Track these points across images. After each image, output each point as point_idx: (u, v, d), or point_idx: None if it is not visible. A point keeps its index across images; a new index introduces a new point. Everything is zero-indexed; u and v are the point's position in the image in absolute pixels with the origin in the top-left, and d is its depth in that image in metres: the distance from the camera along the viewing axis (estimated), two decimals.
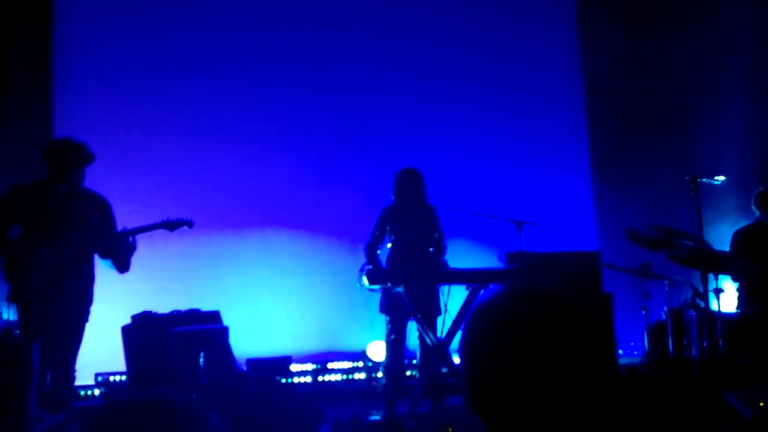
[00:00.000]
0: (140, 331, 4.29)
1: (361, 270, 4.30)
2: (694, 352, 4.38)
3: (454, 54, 6.45)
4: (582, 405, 0.98)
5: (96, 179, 3.96)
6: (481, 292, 4.13)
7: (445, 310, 4.35)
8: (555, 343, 0.98)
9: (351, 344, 5.80)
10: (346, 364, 5.66)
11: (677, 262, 4.55)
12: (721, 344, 4.10)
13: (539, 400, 0.97)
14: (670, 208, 5.66)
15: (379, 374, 4.70)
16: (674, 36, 6.49)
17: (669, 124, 6.64)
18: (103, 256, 3.82)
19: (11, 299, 3.73)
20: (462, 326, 1.07)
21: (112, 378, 5.05)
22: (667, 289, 4.72)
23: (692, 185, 4.17)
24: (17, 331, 3.89)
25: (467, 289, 4.22)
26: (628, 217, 5.86)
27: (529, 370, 0.97)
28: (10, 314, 4.39)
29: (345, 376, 5.58)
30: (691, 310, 4.45)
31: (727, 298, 4.77)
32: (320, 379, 5.52)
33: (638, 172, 6.57)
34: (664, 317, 4.64)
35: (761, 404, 3.07)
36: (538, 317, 1.00)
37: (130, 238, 3.86)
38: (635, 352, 5.78)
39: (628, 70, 6.65)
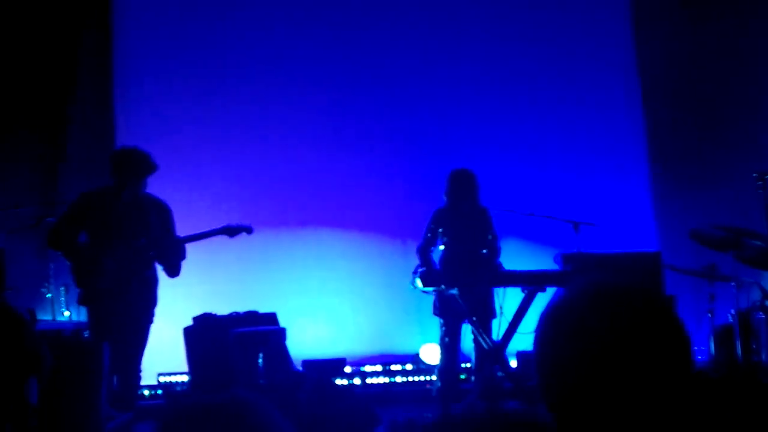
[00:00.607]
0: (201, 332, 4.41)
1: (415, 272, 4.30)
2: (763, 357, 4.21)
3: (507, 51, 6.36)
4: (664, 408, 0.95)
5: (154, 183, 4.09)
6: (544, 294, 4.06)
7: (501, 313, 4.30)
8: (641, 344, 0.95)
9: (404, 347, 5.80)
10: (400, 367, 5.67)
11: (745, 263, 4.36)
12: None
13: (623, 404, 0.94)
14: (737, 206, 5.42)
15: (434, 377, 4.68)
16: (737, 24, 6.20)
17: (733, 117, 6.34)
18: (159, 261, 3.95)
19: (82, 302, 3.90)
20: (536, 327, 1.05)
21: (173, 378, 5.20)
22: (734, 291, 4.54)
23: (760, 182, 4.00)
24: (86, 333, 4.06)
25: (523, 291, 4.16)
26: (690, 216, 5.64)
27: (614, 372, 0.94)
28: (79, 316, 4.60)
29: (402, 378, 5.59)
30: (760, 313, 4.27)
31: None
32: (374, 381, 5.54)
33: (701, 168, 6.30)
34: (731, 320, 4.46)
35: None
36: (621, 317, 0.96)
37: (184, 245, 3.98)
38: (699, 357, 5.57)
39: (688, 62, 6.38)
